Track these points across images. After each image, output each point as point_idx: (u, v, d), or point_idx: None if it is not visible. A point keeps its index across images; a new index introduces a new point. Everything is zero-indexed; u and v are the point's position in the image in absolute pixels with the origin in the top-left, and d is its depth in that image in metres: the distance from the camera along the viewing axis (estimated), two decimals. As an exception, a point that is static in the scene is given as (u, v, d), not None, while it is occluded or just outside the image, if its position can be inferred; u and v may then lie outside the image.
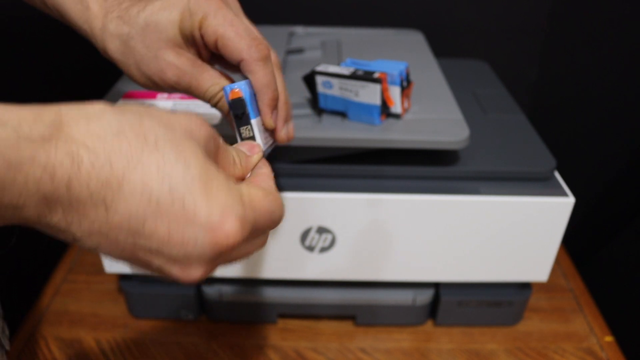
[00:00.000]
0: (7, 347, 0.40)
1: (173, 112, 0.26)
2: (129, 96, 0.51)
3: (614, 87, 0.69)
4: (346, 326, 0.59)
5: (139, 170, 0.22)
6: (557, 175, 0.51)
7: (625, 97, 0.67)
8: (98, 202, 0.22)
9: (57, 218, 0.22)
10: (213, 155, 0.27)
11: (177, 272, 0.25)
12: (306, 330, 0.58)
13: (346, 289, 0.56)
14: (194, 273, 0.25)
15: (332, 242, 0.50)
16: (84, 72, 0.73)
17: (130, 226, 0.23)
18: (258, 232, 0.28)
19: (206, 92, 0.36)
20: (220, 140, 0.29)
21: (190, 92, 0.36)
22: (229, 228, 0.24)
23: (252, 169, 0.32)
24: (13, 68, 0.64)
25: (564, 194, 0.48)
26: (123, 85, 0.54)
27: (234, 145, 0.32)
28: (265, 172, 0.32)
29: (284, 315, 0.59)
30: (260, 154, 0.33)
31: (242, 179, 0.31)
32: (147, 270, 0.26)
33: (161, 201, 0.23)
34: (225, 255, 0.25)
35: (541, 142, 0.53)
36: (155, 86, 0.36)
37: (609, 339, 0.58)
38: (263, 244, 0.30)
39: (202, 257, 0.24)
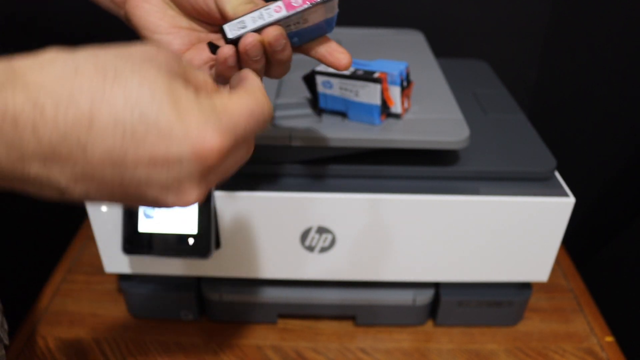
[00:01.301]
0: (6, 342, 0.40)
1: (128, 45, 0.26)
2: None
3: (614, 88, 0.69)
4: (346, 326, 0.59)
5: (106, 105, 0.22)
6: (557, 175, 0.51)
7: (625, 97, 0.67)
8: (73, 144, 0.22)
9: (35, 169, 0.22)
10: (180, 76, 0.27)
11: (173, 199, 0.25)
12: (306, 330, 0.58)
13: (346, 289, 0.56)
14: (189, 195, 0.25)
15: (332, 242, 0.50)
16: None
17: (113, 161, 0.23)
18: (241, 137, 0.27)
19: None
20: (186, 63, 0.28)
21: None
22: (210, 139, 0.24)
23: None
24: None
25: (564, 194, 0.48)
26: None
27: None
28: (246, 75, 0.31)
29: (284, 315, 0.59)
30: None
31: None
32: (143, 205, 0.26)
33: (136, 130, 0.23)
34: (214, 169, 0.26)
35: (541, 142, 0.53)
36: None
37: (609, 339, 0.58)
38: (249, 151, 0.30)
39: (191, 175, 0.25)
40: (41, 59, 0.23)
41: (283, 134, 0.46)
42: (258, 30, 0.33)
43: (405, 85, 0.48)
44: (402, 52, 0.62)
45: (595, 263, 0.70)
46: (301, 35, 0.35)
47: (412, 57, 0.59)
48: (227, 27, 0.33)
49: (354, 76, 0.46)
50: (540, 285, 0.63)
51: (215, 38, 0.38)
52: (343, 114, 0.49)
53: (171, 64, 0.26)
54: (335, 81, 0.47)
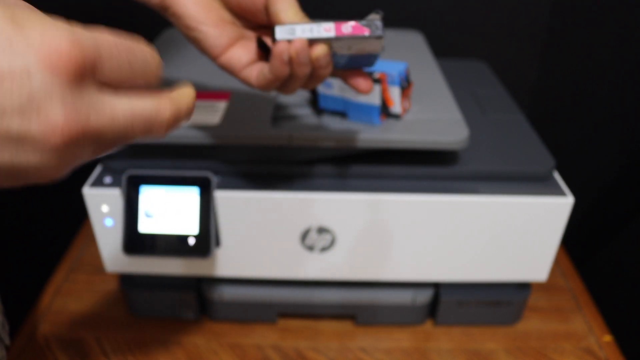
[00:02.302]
0: (7, 342, 0.40)
1: None
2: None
3: (614, 87, 0.69)
4: (346, 326, 0.59)
5: None
6: (556, 175, 0.51)
7: (625, 98, 0.67)
8: None
9: None
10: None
11: (38, 126, 0.21)
12: (306, 330, 0.58)
13: (346, 289, 0.56)
14: (53, 116, 0.21)
15: (332, 242, 0.51)
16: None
17: None
18: (109, 56, 0.23)
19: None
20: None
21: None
22: (58, 43, 0.21)
23: None
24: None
25: (563, 194, 0.48)
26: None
27: None
28: None
29: (284, 315, 0.59)
30: None
31: None
32: (15, 158, 0.22)
33: None
34: (80, 85, 0.22)
35: (540, 142, 0.53)
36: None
37: (607, 338, 0.58)
38: (161, 106, 0.26)
39: (47, 90, 0.21)
40: None
41: (283, 134, 0.46)
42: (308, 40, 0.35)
43: (405, 85, 0.48)
44: (402, 52, 0.62)
45: (594, 263, 0.71)
46: (341, 60, 0.37)
47: (412, 57, 0.59)
48: (278, 29, 0.34)
49: (353, 76, 0.46)
50: (539, 285, 0.63)
51: (252, 36, 0.39)
52: (343, 114, 0.49)
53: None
54: (335, 81, 0.47)
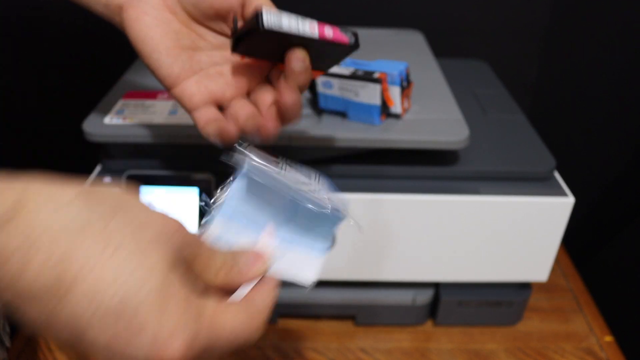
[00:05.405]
0: (8, 344, 0.40)
1: (151, 210, 0.25)
2: (129, 96, 0.51)
3: (614, 87, 0.69)
4: (346, 326, 0.59)
5: (93, 274, 0.21)
6: (557, 175, 0.51)
7: (625, 97, 0.67)
8: (42, 305, 0.22)
9: (6, 298, 0.22)
10: (189, 262, 0.25)
11: None
12: (306, 330, 0.58)
13: (346, 289, 0.56)
14: None
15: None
16: (85, 73, 0.73)
17: (72, 330, 0.22)
18: (213, 353, 0.25)
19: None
20: (203, 246, 0.27)
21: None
22: (173, 350, 0.22)
23: (251, 279, 0.29)
24: (15, 66, 0.64)
25: (564, 194, 0.48)
26: (124, 85, 0.54)
27: (239, 252, 0.29)
28: (264, 289, 0.30)
29: (284, 315, 0.59)
30: (265, 267, 0.30)
31: (229, 288, 0.28)
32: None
33: (108, 314, 0.22)
34: None
35: (541, 142, 0.53)
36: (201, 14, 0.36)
37: (608, 338, 0.58)
38: None
39: None
40: (59, 199, 0.23)
41: (283, 134, 0.46)
42: (289, 35, 0.33)
43: (405, 85, 0.48)
44: (402, 52, 0.62)
45: (595, 263, 0.70)
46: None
47: (412, 57, 0.59)
48: (265, 15, 0.31)
49: (354, 76, 0.46)
50: (539, 285, 0.63)
51: (219, 61, 0.37)
52: (343, 114, 0.49)
53: (183, 248, 0.25)
54: (335, 81, 0.47)
